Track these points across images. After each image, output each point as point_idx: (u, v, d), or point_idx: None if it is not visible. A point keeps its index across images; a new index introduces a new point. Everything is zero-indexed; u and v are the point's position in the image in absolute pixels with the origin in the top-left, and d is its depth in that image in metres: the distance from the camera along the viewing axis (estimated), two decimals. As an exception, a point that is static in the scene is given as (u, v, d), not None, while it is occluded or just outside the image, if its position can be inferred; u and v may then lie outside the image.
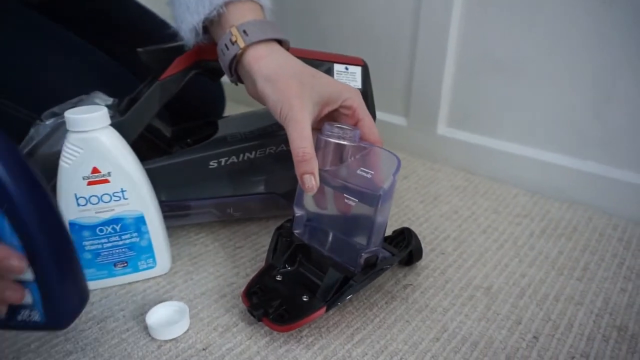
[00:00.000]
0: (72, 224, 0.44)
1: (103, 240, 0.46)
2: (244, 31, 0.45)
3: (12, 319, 0.34)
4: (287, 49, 0.49)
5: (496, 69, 0.71)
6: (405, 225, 0.61)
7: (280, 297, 0.43)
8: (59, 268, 0.33)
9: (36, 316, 0.34)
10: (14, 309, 0.34)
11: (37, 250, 0.32)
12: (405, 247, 0.49)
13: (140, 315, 0.45)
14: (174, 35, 0.50)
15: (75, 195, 0.43)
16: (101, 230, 0.45)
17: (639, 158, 0.62)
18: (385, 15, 0.81)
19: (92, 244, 0.46)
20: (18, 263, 0.31)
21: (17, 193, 0.30)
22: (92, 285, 0.48)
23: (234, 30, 0.45)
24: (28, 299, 0.33)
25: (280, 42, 0.48)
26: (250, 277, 0.46)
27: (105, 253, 0.47)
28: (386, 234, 0.49)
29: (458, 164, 0.78)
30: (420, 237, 0.52)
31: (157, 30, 0.72)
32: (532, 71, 0.68)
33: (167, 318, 0.43)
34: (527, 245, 0.57)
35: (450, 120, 0.79)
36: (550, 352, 0.41)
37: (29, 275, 0.32)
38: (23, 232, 0.31)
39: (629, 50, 0.59)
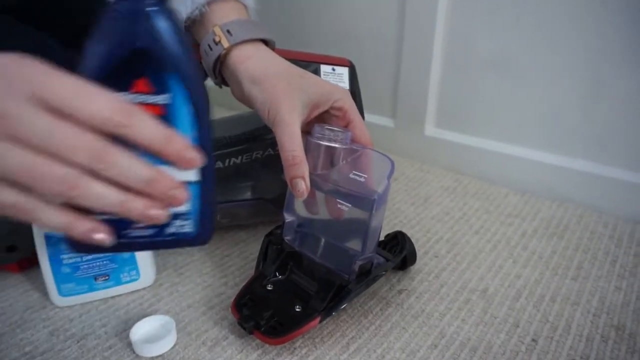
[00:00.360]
0: (48, 236, 0.42)
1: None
2: (228, 31, 0.43)
3: (163, 232, 0.29)
4: (273, 49, 0.47)
5: (483, 67, 0.71)
6: (397, 228, 0.60)
7: (272, 307, 0.41)
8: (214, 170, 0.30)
9: (189, 226, 0.30)
10: (165, 224, 0.29)
11: (206, 147, 0.28)
12: (400, 252, 0.48)
13: (123, 331, 0.42)
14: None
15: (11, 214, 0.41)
16: (80, 243, 0.43)
17: (628, 155, 0.62)
18: (370, 15, 0.80)
19: (70, 257, 0.43)
20: (195, 156, 0.27)
21: (198, 85, 0.28)
22: (71, 300, 0.45)
23: (217, 30, 0.43)
24: (188, 203, 0.29)
25: (265, 42, 0.46)
26: (240, 287, 0.44)
27: (85, 266, 0.44)
28: (379, 238, 0.47)
29: (447, 165, 0.77)
30: (412, 240, 0.51)
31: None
32: (519, 69, 0.67)
33: (152, 333, 0.41)
34: (520, 245, 0.56)
35: (438, 120, 0.78)
36: (550, 355, 0.40)
37: (191, 175, 0.28)
38: (200, 127, 0.28)
39: (617, 47, 0.59)
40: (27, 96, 0.23)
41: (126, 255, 0.46)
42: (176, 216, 0.30)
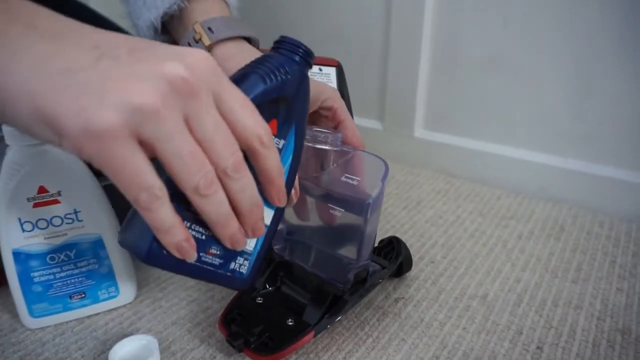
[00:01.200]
0: (17, 253, 0.38)
1: (55, 270, 0.40)
2: (209, 28, 0.40)
3: (226, 265, 0.30)
4: (257, 47, 0.45)
5: (472, 68, 0.69)
6: (390, 233, 0.57)
7: (262, 322, 0.39)
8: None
9: (245, 267, 0.30)
10: (232, 255, 0.30)
11: (289, 186, 0.31)
12: (395, 258, 0.45)
13: (102, 353, 0.39)
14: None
15: (20, 220, 0.37)
16: (52, 259, 0.40)
17: (619, 153, 0.61)
18: (355, 15, 0.79)
19: (42, 275, 0.40)
20: (285, 199, 0.30)
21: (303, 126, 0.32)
22: (43, 322, 0.41)
23: (198, 27, 0.40)
24: (253, 241, 0.30)
25: (249, 40, 0.44)
26: (227, 301, 0.41)
27: (59, 284, 0.41)
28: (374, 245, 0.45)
29: (438, 167, 0.76)
30: (407, 245, 0.49)
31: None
32: (508, 69, 0.66)
33: (133, 354, 0.38)
34: (517, 248, 0.55)
35: (427, 122, 0.77)
36: (557, 363, 0.38)
37: (267, 218, 0.30)
38: (288, 179, 0.31)
39: (606, 46, 0.58)
40: (210, 90, 0.25)
41: (104, 270, 0.42)
42: (241, 253, 0.30)
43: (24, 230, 0.38)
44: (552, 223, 0.60)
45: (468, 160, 0.72)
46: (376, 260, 0.44)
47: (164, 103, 0.22)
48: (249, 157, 0.27)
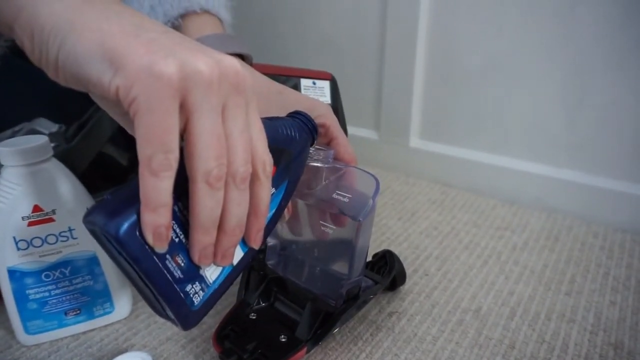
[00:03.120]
0: (12, 271, 0.39)
1: (50, 287, 0.40)
2: (203, 46, 0.41)
3: (183, 284, 0.28)
4: (251, 64, 0.45)
5: (467, 78, 0.70)
6: (385, 245, 0.58)
7: (256, 338, 0.39)
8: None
9: (198, 297, 0.28)
10: (192, 275, 0.28)
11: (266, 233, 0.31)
12: (388, 273, 0.46)
13: (96, 370, 0.39)
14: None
15: (15, 238, 0.38)
16: (47, 276, 0.40)
17: (612, 163, 0.61)
18: (350, 26, 0.79)
19: (37, 292, 0.40)
20: (260, 241, 0.30)
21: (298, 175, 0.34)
22: (39, 338, 0.42)
23: (191, 46, 0.41)
24: (216, 273, 0.29)
25: (242, 57, 0.44)
26: (222, 317, 0.42)
27: (54, 301, 0.41)
28: (367, 259, 0.45)
29: (433, 177, 0.76)
30: (401, 258, 0.49)
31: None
32: (503, 79, 0.67)
33: (127, 372, 0.38)
34: (511, 259, 0.55)
35: (423, 132, 0.77)
36: (549, 379, 0.38)
37: (237, 255, 0.30)
38: (269, 225, 0.32)
39: (600, 57, 0.59)
40: (246, 99, 0.26)
41: (99, 286, 0.43)
42: (202, 280, 0.29)
43: (18, 249, 0.38)
44: (547, 233, 0.60)
45: (463, 170, 0.73)
46: (369, 276, 0.44)
47: (218, 80, 0.24)
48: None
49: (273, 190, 0.32)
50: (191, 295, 0.28)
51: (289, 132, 0.33)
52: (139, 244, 0.25)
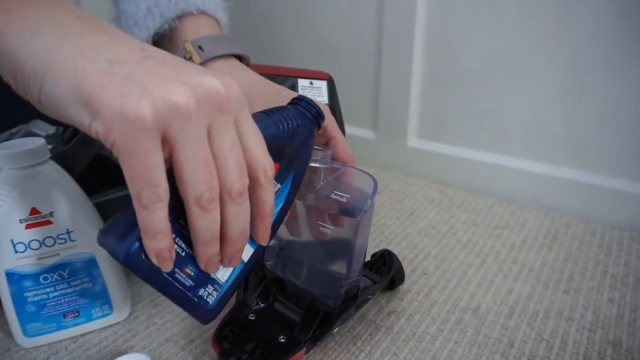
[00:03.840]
0: (10, 274, 0.39)
1: (49, 290, 0.40)
2: (200, 47, 0.41)
3: (195, 290, 0.29)
4: (248, 64, 0.45)
5: (465, 77, 0.70)
6: (383, 244, 0.58)
7: (255, 339, 0.39)
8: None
9: (212, 297, 0.30)
10: (204, 281, 0.30)
11: (274, 228, 0.32)
12: (387, 272, 0.46)
13: (95, 372, 0.39)
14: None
15: (12, 241, 0.38)
16: (46, 279, 0.40)
17: (610, 161, 0.62)
18: (347, 25, 0.79)
19: (35, 295, 0.40)
20: (268, 238, 0.31)
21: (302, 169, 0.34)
22: (37, 341, 0.42)
23: (188, 46, 0.41)
24: (227, 273, 0.31)
25: (239, 57, 0.44)
26: (221, 318, 0.42)
27: (53, 303, 0.41)
28: (365, 259, 0.45)
29: (431, 176, 0.76)
30: (400, 257, 0.49)
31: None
32: (501, 78, 0.67)
33: (127, 373, 0.38)
34: (510, 258, 0.55)
35: (421, 131, 0.77)
36: (548, 377, 0.38)
37: (245, 254, 0.31)
38: (276, 221, 0.32)
39: (598, 55, 0.59)
40: (235, 113, 0.26)
41: (97, 288, 0.43)
42: (213, 282, 0.30)
43: (16, 251, 0.38)
44: (545, 232, 0.60)
45: (461, 169, 0.73)
46: (368, 275, 0.44)
47: (197, 108, 0.24)
48: (250, 187, 0.28)
49: (278, 186, 0.32)
50: (205, 298, 0.30)
51: (289, 125, 0.33)
52: (146, 265, 0.26)
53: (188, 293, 0.29)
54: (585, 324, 0.44)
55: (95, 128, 0.23)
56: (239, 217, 0.27)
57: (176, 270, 0.28)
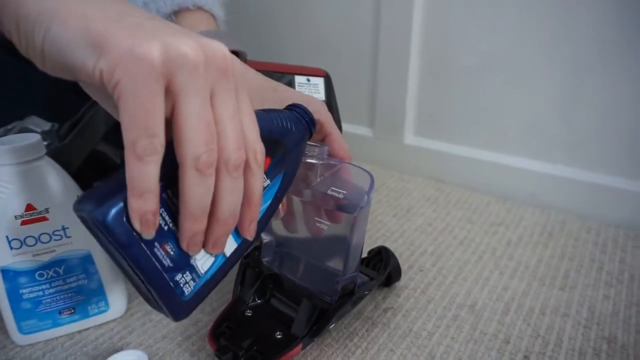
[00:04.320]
0: (5, 270, 0.38)
1: (44, 286, 0.40)
2: (196, 43, 0.41)
3: (172, 273, 0.27)
4: (245, 61, 0.45)
5: (461, 74, 0.70)
6: (380, 241, 0.58)
7: (251, 335, 0.39)
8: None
9: (189, 288, 0.28)
10: (183, 264, 0.28)
11: (258, 232, 0.31)
12: (384, 269, 0.46)
13: (91, 368, 0.39)
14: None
15: (7, 237, 0.38)
16: (41, 275, 0.40)
17: (606, 160, 0.62)
18: (344, 23, 0.79)
19: (31, 292, 0.40)
20: (254, 231, 0.30)
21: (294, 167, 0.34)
22: (33, 338, 0.42)
23: (185, 43, 0.41)
24: (208, 263, 0.29)
25: (236, 54, 0.44)
26: (217, 314, 0.42)
27: (48, 300, 0.41)
28: (362, 255, 0.45)
29: (428, 174, 0.76)
30: (396, 254, 0.49)
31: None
32: (498, 76, 0.67)
33: (123, 370, 0.38)
34: (506, 255, 0.55)
35: (417, 128, 0.77)
36: (544, 372, 0.39)
37: (229, 247, 0.29)
38: (265, 216, 0.32)
39: (593, 54, 0.59)
40: (235, 84, 0.25)
41: (93, 285, 0.42)
42: (193, 270, 0.28)
43: (11, 248, 0.38)
44: (541, 229, 0.60)
45: (458, 166, 0.73)
46: (364, 272, 0.44)
47: (205, 64, 0.23)
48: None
49: (268, 182, 0.31)
50: (181, 285, 0.28)
51: (284, 124, 0.33)
52: (126, 231, 0.25)
53: (164, 274, 0.27)
54: (581, 321, 0.44)
55: (100, 67, 0.22)
56: (233, 193, 0.26)
57: (155, 244, 0.26)
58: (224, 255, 0.30)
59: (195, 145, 0.24)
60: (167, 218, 0.26)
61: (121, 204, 0.24)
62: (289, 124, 0.33)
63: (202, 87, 0.24)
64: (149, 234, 0.25)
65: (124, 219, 0.25)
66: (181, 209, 0.26)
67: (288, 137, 0.33)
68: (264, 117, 0.31)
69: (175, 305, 0.28)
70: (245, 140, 0.26)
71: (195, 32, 0.25)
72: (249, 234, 0.29)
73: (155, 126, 0.23)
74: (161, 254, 0.26)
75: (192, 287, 0.28)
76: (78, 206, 0.26)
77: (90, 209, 0.25)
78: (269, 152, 0.30)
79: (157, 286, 0.27)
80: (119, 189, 0.24)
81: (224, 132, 0.25)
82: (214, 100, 0.24)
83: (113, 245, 0.25)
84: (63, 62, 0.24)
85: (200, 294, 0.29)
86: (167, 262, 0.27)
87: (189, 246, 0.27)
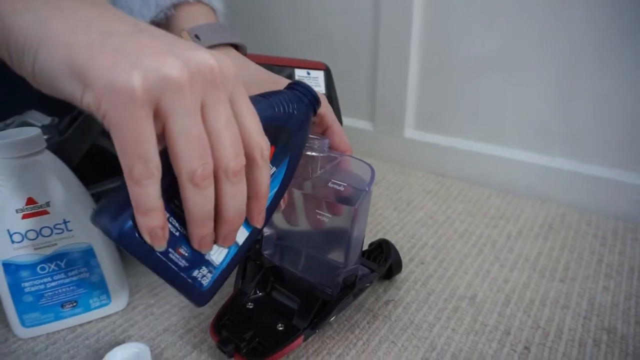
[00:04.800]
0: (6, 264, 0.38)
1: (46, 280, 0.40)
2: (196, 35, 0.41)
3: (189, 271, 0.29)
4: (245, 54, 0.45)
5: (461, 68, 0.70)
6: (381, 235, 0.58)
7: (253, 327, 0.39)
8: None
9: (207, 279, 0.30)
10: (198, 262, 0.29)
11: (267, 219, 0.31)
12: (385, 261, 0.46)
13: (94, 361, 0.39)
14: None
15: (9, 231, 0.38)
16: (43, 269, 0.40)
17: (606, 152, 0.62)
18: (344, 17, 0.79)
19: (33, 285, 0.40)
20: (263, 220, 0.30)
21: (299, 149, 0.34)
22: (35, 331, 0.42)
23: (185, 35, 0.41)
24: (222, 255, 0.30)
25: (236, 47, 0.44)
26: (219, 307, 0.42)
27: (50, 293, 0.41)
28: (363, 248, 0.45)
29: (428, 167, 0.76)
30: (397, 247, 0.49)
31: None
32: (497, 69, 0.67)
33: (125, 363, 0.38)
34: (506, 248, 0.55)
35: (417, 122, 0.77)
36: (544, 363, 0.39)
37: (240, 236, 0.31)
38: (273, 201, 0.32)
39: (590, 46, 0.59)
40: (229, 89, 0.25)
41: (95, 278, 0.43)
42: (207, 264, 0.30)
43: (13, 242, 0.38)
44: (541, 222, 0.61)
45: (458, 160, 0.73)
46: (365, 264, 0.45)
47: (190, 81, 0.23)
48: (246, 167, 0.27)
49: (274, 169, 0.32)
50: (199, 279, 0.30)
51: (285, 108, 0.33)
52: (139, 244, 0.26)
53: (182, 274, 0.29)
54: (581, 312, 0.44)
55: (87, 100, 0.23)
56: (235, 197, 0.27)
57: (170, 250, 0.28)
58: (236, 244, 0.31)
59: (188, 161, 0.24)
60: (177, 225, 0.28)
61: (130, 221, 0.26)
62: (290, 107, 0.33)
63: (189, 104, 0.24)
64: (160, 246, 0.26)
65: (136, 233, 0.26)
66: (186, 217, 0.27)
67: (291, 121, 0.33)
68: (264, 106, 0.31)
69: (195, 296, 0.30)
70: (248, 139, 0.26)
71: (182, 41, 0.25)
72: (259, 223, 0.30)
73: (147, 152, 0.23)
74: (176, 257, 0.28)
75: (209, 279, 0.30)
76: (95, 219, 0.27)
77: (105, 225, 0.26)
78: (272, 140, 0.30)
79: (177, 285, 0.29)
80: (127, 205, 0.25)
81: (220, 142, 0.25)
82: (205, 112, 0.24)
83: (131, 255, 0.27)
84: (53, 89, 0.24)
85: (218, 282, 0.31)
86: (182, 263, 0.28)
87: (200, 247, 0.28)
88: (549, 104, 0.64)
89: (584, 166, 0.63)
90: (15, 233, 0.38)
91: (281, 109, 0.32)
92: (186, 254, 0.28)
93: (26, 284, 0.40)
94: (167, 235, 0.26)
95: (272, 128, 0.30)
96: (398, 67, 0.74)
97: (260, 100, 0.32)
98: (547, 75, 0.63)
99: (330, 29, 0.81)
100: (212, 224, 0.27)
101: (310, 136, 0.40)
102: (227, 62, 0.25)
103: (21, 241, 0.38)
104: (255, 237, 0.32)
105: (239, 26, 0.92)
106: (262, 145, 0.27)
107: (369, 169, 0.39)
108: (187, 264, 0.29)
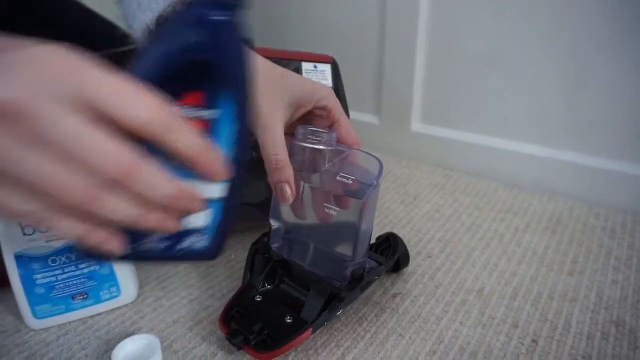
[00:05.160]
0: (19, 256, 0.39)
1: (57, 272, 0.41)
2: (204, 30, 0.40)
3: (175, 247, 0.28)
4: (252, 48, 0.45)
5: (467, 61, 0.69)
6: (388, 228, 0.58)
7: (262, 320, 0.39)
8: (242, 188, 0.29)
9: (202, 242, 0.29)
10: (179, 236, 0.28)
11: (238, 164, 0.27)
12: (392, 255, 0.46)
13: (105, 353, 0.40)
14: (125, 37, 0.45)
15: (21, 223, 0.38)
16: (54, 261, 0.40)
17: (614, 145, 0.61)
18: (351, 10, 0.78)
19: (44, 277, 0.41)
20: (223, 170, 0.26)
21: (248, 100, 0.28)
22: (47, 323, 0.42)
23: (192, 29, 0.40)
24: (204, 219, 0.28)
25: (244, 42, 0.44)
26: (228, 300, 0.42)
27: (61, 285, 0.41)
28: (371, 242, 0.46)
29: (435, 161, 0.76)
30: (405, 241, 0.49)
31: (108, 33, 0.67)
32: (503, 62, 0.66)
33: (136, 354, 0.39)
34: (514, 241, 0.55)
35: (424, 116, 0.77)
36: (552, 356, 0.39)
37: (217, 191, 0.28)
38: (238, 144, 0.27)
39: (598, 39, 0.58)
40: (63, 95, 0.21)
41: (105, 271, 0.43)
42: (192, 232, 0.29)
43: (25, 234, 0.38)
44: (549, 216, 0.60)
45: (465, 153, 0.73)
46: (373, 257, 0.45)
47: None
48: (157, 143, 0.23)
49: (216, 111, 0.27)
50: (192, 247, 0.29)
51: (183, 39, 0.25)
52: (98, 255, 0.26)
53: (169, 252, 0.28)
54: (589, 305, 0.44)
55: None
56: (152, 188, 0.23)
57: (140, 243, 0.27)
58: (218, 200, 0.28)
59: (62, 199, 0.22)
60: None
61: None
62: (191, 34, 0.25)
63: (14, 157, 0.21)
64: (117, 250, 0.25)
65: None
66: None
67: (203, 51, 0.25)
68: (153, 55, 0.25)
69: (200, 257, 0.29)
70: (134, 121, 0.22)
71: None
72: (218, 177, 0.26)
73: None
74: (151, 245, 0.27)
75: (206, 240, 0.29)
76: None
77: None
78: (192, 85, 0.26)
79: (176, 260, 0.29)
80: None
81: (83, 163, 0.22)
82: (43, 144, 0.21)
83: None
84: None
85: (219, 237, 0.29)
86: (165, 243, 0.28)
87: (166, 231, 0.26)
88: (556, 97, 0.63)
89: (592, 159, 0.63)
90: (27, 225, 0.38)
91: (179, 46, 0.25)
92: (162, 236, 0.28)
93: (38, 276, 0.40)
94: (119, 240, 0.25)
95: (179, 73, 0.25)
96: (405, 61, 0.74)
97: (148, 48, 0.26)
98: (554, 68, 0.62)
99: (338, 23, 0.81)
100: (152, 214, 0.24)
101: (319, 130, 0.40)
102: (45, 65, 0.21)
103: (33, 233, 0.39)
104: (239, 185, 0.29)
105: (246, 19, 0.92)
106: (152, 117, 0.22)
107: (377, 162, 0.39)
108: (168, 243, 0.28)
